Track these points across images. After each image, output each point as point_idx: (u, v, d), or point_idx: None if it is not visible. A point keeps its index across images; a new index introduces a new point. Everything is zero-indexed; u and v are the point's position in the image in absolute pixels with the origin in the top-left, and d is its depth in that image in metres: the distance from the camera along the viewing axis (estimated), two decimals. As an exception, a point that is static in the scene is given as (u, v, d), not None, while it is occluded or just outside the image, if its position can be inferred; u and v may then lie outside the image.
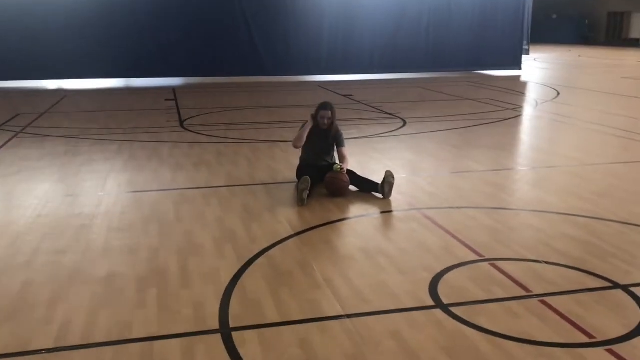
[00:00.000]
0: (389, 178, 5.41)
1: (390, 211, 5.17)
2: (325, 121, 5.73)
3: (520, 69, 17.85)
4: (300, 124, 5.94)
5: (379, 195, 5.48)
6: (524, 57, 18.56)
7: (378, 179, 5.60)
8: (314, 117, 5.78)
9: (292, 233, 4.57)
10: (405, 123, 9.35)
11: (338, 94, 13.01)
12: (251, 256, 4.11)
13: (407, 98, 12.60)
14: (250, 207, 5.20)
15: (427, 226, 4.75)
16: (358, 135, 8.28)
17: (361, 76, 16.33)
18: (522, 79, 16.57)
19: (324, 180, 5.56)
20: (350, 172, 5.67)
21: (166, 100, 12.07)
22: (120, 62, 14.59)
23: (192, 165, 6.66)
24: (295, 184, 5.67)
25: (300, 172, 5.74)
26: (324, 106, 5.78)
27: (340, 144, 5.87)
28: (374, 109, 10.84)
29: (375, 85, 15.00)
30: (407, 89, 14.19)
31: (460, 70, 17.48)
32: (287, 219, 4.90)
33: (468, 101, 11.93)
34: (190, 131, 8.74)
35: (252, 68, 15.48)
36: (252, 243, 4.37)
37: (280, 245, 4.32)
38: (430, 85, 14.64)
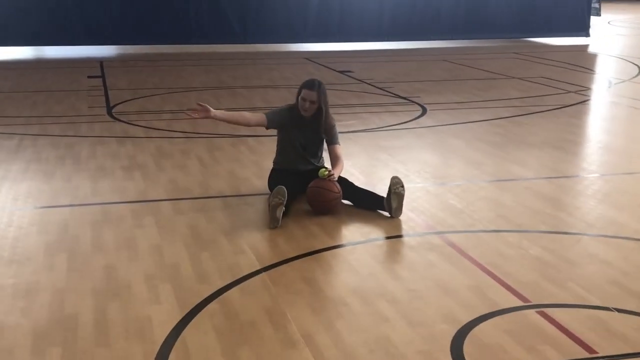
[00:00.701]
0: (397, 187, 5.40)
1: (399, 236, 5.16)
2: (307, 105, 5.70)
3: (587, 35, 17.97)
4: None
5: (385, 213, 5.47)
6: (593, 19, 18.68)
7: (384, 189, 5.57)
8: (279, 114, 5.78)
9: (259, 267, 4.56)
10: (424, 111, 9.38)
11: (332, 69, 13.04)
12: (199, 301, 4.08)
13: (428, 76, 12.63)
14: (200, 230, 5.18)
15: (450, 257, 4.73)
16: (359, 128, 8.30)
17: (365, 45, 16.39)
18: (590, 49, 16.69)
19: (306, 191, 5.53)
20: (344, 181, 5.66)
21: (89, 77, 12.06)
22: (27, 24, 14.51)
23: (121, 170, 6.66)
24: (267, 196, 5.63)
25: (274, 180, 5.72)
26: (309, 84, 5.76)
27: (332, 140, 5.86)
28: (381, 91, 10.87)
29: (384, 58, 15.05)
30: (428, 64, 14.21)
31: (503, 38, 17.57)
32: (252, 247, 4.88)
33: (514, 80, 11.98)
34: (121, 121, 8.74)
35: (214, 33, 15.49)
36: (201, 282, 4.34)
37: (241, 285, 4.30)
38: (461, 59, 14.70)
